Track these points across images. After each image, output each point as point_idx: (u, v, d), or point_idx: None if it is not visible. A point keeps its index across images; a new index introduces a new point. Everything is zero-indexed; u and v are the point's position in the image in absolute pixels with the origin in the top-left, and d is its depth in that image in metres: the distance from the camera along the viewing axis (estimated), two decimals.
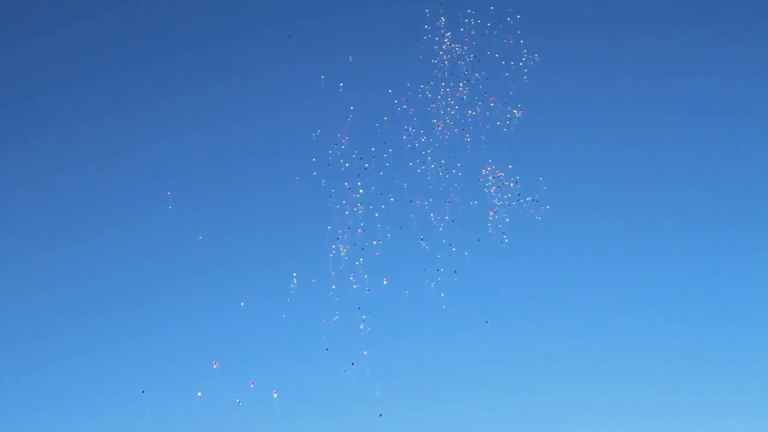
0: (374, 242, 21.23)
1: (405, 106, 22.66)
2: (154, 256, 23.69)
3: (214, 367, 19.66)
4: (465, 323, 22.14)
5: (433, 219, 21.54)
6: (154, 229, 23.91)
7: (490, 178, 21.84)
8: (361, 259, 21.04)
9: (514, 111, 22.45)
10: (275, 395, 19.93)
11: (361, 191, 21.72)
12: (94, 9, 26.10)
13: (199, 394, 19.56)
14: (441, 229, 21.52)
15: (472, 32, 23.27)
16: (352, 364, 19.98)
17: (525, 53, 23.03)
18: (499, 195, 21.74)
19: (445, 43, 22.97)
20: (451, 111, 22.35)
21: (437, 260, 21.20)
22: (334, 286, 20.80)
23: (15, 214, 24.13)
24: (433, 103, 22.49)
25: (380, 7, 26.07)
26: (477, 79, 22.68)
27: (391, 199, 21.83)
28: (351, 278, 20.76)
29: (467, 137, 22.20)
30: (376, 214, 21.62)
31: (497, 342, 21.99)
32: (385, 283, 21.09)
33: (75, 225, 24.16)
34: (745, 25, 25.53)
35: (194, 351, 22.09)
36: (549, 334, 22.43)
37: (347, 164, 22.03)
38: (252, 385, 19.83)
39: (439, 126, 22.26)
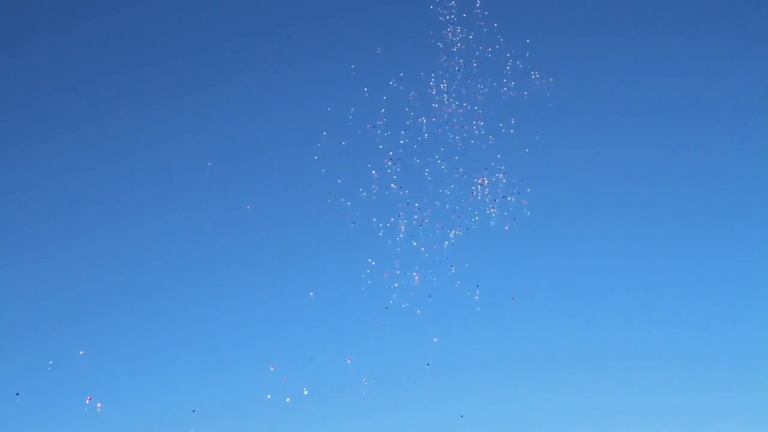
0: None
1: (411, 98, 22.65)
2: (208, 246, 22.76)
3: (271, 369, 19.03)
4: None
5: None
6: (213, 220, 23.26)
7: (479, 183, 22.09)
8: (424, 249, 20.89)
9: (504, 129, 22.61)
10: (365, 382, 19.27)
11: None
12: (110, 10, 25.58)
13: (269, 396, 18.58)
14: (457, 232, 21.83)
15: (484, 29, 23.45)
16: (428, 364, 19.81)
17: (532, 71, 22.99)
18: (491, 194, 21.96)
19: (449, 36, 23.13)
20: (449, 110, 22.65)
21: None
22: (396, 284, 20.32)
23: (59, 212, 23.13)
24: (434, 102, 22.67)
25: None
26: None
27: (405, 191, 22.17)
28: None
29: (473, 141, 22.41)
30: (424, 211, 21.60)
31: (505, 341, 21.91)
32: (453, 271, 20.53)
33: (124, 217, 23.19)
34: (734, 27, 24.91)
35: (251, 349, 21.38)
36: (549, 333, 22.25)
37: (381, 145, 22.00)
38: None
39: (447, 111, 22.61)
